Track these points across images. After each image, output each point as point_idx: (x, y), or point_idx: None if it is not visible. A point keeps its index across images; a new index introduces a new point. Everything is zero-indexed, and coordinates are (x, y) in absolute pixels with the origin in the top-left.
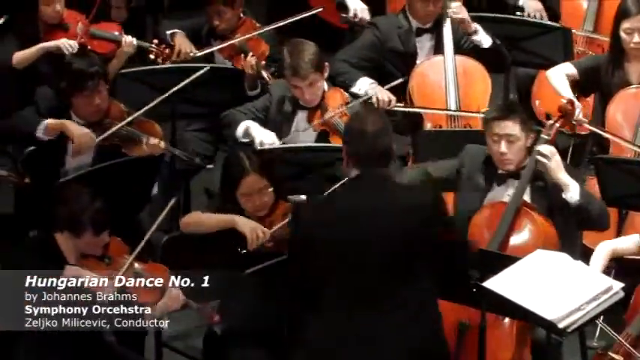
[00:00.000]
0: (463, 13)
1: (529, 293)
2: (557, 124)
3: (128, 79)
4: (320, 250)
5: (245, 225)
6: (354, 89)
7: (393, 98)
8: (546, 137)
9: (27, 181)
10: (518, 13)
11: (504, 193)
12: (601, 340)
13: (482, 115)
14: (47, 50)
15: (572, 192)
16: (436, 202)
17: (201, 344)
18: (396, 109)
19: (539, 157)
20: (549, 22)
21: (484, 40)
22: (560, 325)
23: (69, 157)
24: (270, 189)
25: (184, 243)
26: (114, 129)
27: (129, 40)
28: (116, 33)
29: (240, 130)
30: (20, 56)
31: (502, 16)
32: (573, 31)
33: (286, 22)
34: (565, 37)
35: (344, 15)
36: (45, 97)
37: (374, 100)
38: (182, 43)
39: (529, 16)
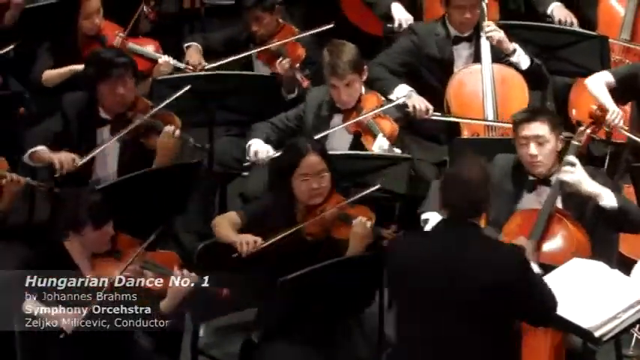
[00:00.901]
0: (499, 34)
1: (565, 302)
2: (588, 131)
3: (164, 85)
4: (402, 289)
5: (235, 236)
6: (392, 96)
7: (430, 107)
8: (577, 143)
9: (56, 190)
10: (547, 20)
11: (535, 201)
12: (637, 349)
13: None
14: (76, 72)
15: (607, 199)
16: (521, 265)
17: (238, 351)
18: (433, 117)
19: (564, 176)
20: (586, 31)
21: (522, 60)
22: (597, 334)
23: (95, 169)
24: (328, 174)
25: (219, 251)
26: (138, 122)
27: (165, 60)
28: (151, 48)
29: (247, 146)
30: (50, 74)
31: (539, 24)
32: (610, 40)
33: (321, 29)
34: (602, 45)
35: (389, 25)
36: (72, 103)
37: (410, 108)
38: (192, 55)
39: (559, 23)
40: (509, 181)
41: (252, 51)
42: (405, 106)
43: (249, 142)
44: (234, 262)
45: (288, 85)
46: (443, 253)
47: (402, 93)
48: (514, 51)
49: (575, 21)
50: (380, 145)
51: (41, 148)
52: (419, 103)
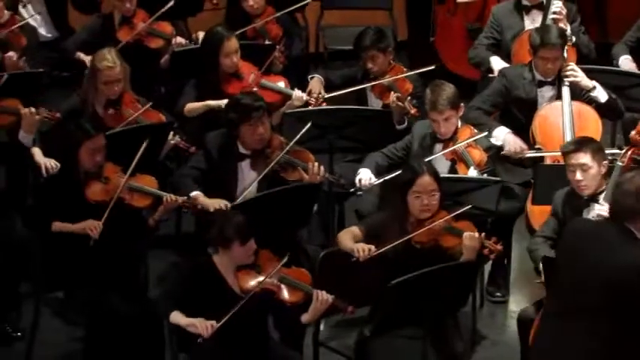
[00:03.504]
0: (579, 75)
1: None
2: (629, 152)
3: (293, 118)
4: (559, 262)
5: (352, 244)
6: (493, 139)
7: (525, 147)
8: (620, 164)
9: (200, 207)
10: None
11: (589, 217)
12: None
13: None
14: (211, 108)
15: (598, 92)
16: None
17: (353, 344)
18: (527, 155)
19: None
20: None
21: (601, 95)
22: None
23: (239, 185)
24: (438, 194)
25: (339, 258)
26: (276, 159)
27: (299, 95)
28: (282, 84)
29: (357, 174)
30: (191, 107)
31: (610, 68)
32: None
33: (425, 69)
34: None
35: (490, 75)
36: (214, 141)
37: (506, 149)
38: (314, 86)
39: None
40: (567, 206)
41: (368, 84)
42: (502, 147)
43: (359, 171)
44: (350, 267)
45: (399, 116)
46: (589, 246)
47: (501, 135)
48: (594, 87)
49: (637, 71)
50: (472, 175)
51: (197, 194)
52: (514, 146)
